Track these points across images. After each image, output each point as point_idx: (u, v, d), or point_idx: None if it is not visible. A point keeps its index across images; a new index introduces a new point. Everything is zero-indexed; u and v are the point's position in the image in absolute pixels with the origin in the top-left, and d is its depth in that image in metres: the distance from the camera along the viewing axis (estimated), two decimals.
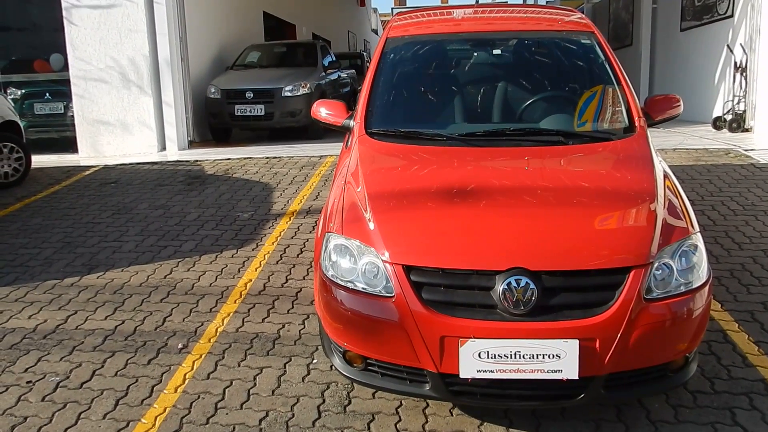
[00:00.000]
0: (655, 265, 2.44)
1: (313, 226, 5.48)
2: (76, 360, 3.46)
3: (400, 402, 2.95)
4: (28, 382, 3.25)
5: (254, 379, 3.21)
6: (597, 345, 2.33)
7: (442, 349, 2.38)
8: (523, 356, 2.33)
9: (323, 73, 11.40)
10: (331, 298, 2.62)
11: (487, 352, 2.34)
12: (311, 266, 4.64)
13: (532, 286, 2.34)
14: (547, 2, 25.32)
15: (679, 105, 3.53)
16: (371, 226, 2.62)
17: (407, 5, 53.87)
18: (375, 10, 44.00)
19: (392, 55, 3.92)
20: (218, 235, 5.44)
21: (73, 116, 9.65)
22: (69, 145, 9.78)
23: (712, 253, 4.52)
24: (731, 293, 3.94)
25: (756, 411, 2.81)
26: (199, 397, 3.07)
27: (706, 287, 2.54)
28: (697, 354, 2.65)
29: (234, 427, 2.83)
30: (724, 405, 2.85)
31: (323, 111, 3.73)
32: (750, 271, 4.25)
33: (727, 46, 9.76)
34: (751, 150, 7.58)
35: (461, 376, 2.38)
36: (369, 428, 2.79)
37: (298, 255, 4.92)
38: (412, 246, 2.55)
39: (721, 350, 3.30)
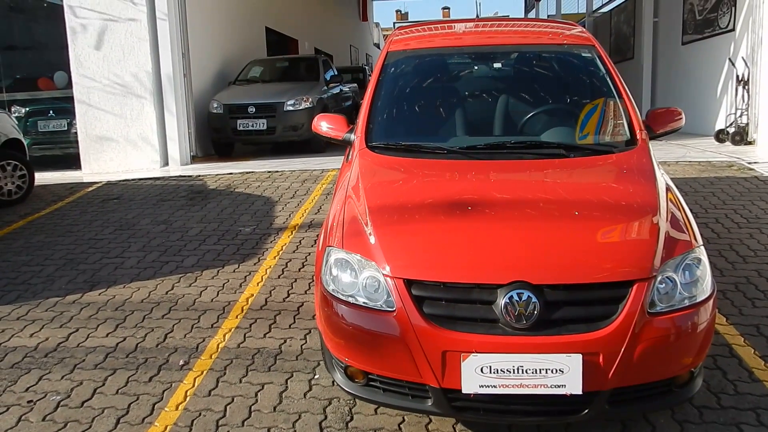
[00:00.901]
0: (659, 278, 2.41)
1: (315, 241, 5.47)
2: (78, 378, 3.44)
3: (403, 418, 2.92)
4: (29, 402, 3.23)
5: (256, 395, 3.19)
6: (600, 359, 2.31)
7: (444, 364, 2.36)
8: (526, 371, 2.31)
9: (325, 87, 11.45)
10: (332, 312, 2.60)
11: (490, 366, 2.32)
12: (313, 281, 4.62)
13: (534, 299, 2.32)
14: (548, 16, 25.46)
15: (680, 118, 3.52)
16: (372, 240, 2.61)
17: (409, 20, 54.22)
18: (377, 24, 44.32)
19: (393, 69, 3.93)
20: (220, 250, 5.43)
21: (76, 133, 9.69)
22: (72, 161, 9.83)
23: (717, 266, 4.50)
24: (736, 307, 3.91)
25: (763, 427, 2.77)
26: (200, 414, 3.05)
27: (711, 301, 2.51)
28: (702, 369, 2.62)
29: None
30: (730, 421, 2.82)
31: (324, 125, 3.73)
32: (755, 285, 4.21)
33: (729, 59, 9.77)
34: (755, 163, 7.56)
35: (464, 391, 2.36)
36: None
37: (299, 269, 4.91)
38: (413, 260, 2.54)
39: (727, 365, 3.27)
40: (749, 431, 2.74)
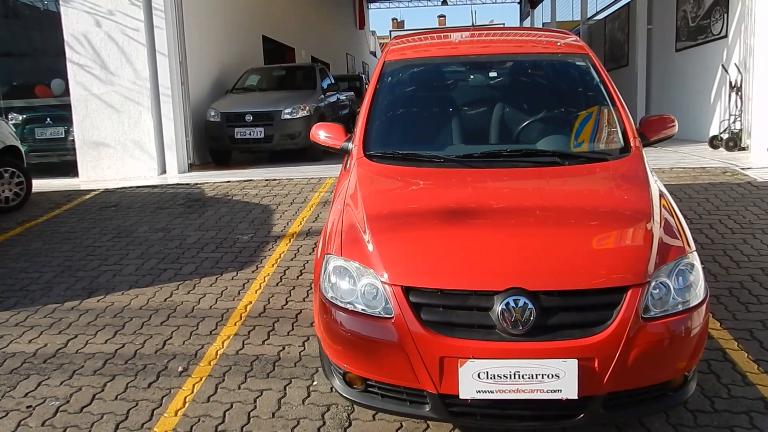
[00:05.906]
0: (652, 284, 2.45)
1: (313, 248, 5.50)
2: (77, 384, 3.46)
3: (401, 423, 2.94)
4: (28, 407, 3.25)
5: (255, 401, 3.21)
6: (596, 364, 2.34)
7: (442, 370, 2.39)
8: (523, 376, 2.34)
9: (322, 96, 11.49)
10: (331, 319, 2.63)
11: (487, 372, 2.35)
12: (311, 288, 4.65)
13: (530, 306, 2.35)
14: (543, 24, 25.59)
15: (673, 125, 3.57)
16: (370, 247, 2.64)
17: (405, 28, 54.36)
18: (373, 32, 44.41)
19: (390, 78, 3.97)
20: (218, 258, 5.45)
21: (73, 140, 9.72)
22: (70, 169, 9.84)
23: (711, 271, 4.54)
24: (730, 311, 3.95)
25: (756, 430, 2.80)
26: (199, 420, 3.07)
27: (704, 306, 2.55)
28: (696, 373, 2.65)
29: None
30: (724, 424, 2.85)
31: (322, 134, 3.77)
32: (749, 290, 4.26)
33: (722, 65, 9.86)
34: (748, 168, 7.62)
35: (461, 396, 2.39)
36: None
37: (297, 277, 4.93)
38: (411, 267, 2.57)
39: (721, 369, 3.30)
40: None
